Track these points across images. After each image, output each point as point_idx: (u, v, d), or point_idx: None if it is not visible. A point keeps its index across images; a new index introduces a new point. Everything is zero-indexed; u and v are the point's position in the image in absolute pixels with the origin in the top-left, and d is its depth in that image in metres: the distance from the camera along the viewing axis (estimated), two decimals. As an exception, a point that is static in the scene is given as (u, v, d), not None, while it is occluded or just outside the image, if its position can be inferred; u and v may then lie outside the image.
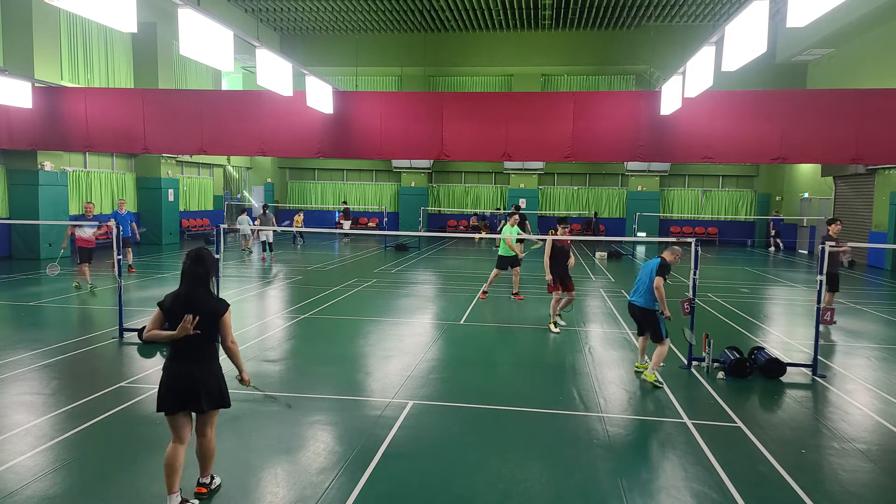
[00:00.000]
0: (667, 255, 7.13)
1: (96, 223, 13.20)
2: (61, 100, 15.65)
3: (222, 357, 4.16)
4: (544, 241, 9.98)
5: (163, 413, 4.01)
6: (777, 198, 28.11)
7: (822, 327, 8.76)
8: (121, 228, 12.84)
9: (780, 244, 25.85)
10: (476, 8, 24.27)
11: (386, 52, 27.97)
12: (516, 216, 12.17)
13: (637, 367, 7.47)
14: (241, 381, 4.29)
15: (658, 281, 6.88)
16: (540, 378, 7.28)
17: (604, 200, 30.40)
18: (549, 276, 9.42)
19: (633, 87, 28.50)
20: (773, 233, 25.95)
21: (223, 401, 4.11)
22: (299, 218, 25.16)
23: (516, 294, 12.14)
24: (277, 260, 18.61)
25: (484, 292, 12.15)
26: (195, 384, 3.96)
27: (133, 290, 12.22)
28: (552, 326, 9.60)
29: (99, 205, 20.96)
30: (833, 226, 10.14)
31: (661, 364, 7.20)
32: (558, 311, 9.71)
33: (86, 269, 12.40)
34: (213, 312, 3.99)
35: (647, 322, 7.18)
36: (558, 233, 9.64)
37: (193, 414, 4.10)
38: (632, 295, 7.34)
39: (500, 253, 12.01)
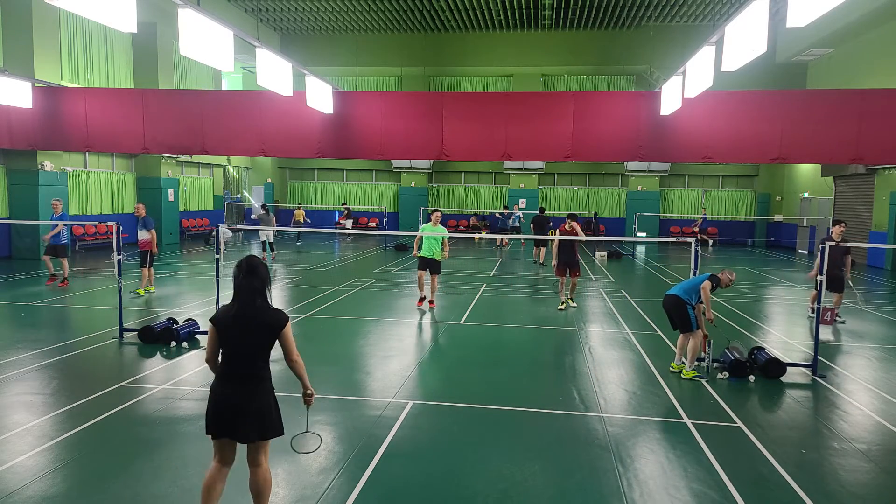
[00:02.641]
0: (721, 275, 7.34)
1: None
2: (61, 100, 15.65)
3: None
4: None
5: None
6: (777, 198, 28.13)
7: (825, 328, 8.78)
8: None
9: (700, 238, 26.30)
10: (476, 8, 24.27)
11: (386, 52, 27.98)
12: (438, 213, 11.43)
13: (672, 367, 7.44)
14: (306, 397, 3.82)
15: (707, 284, 7.14)
16: (540, 378, 7.28)
17: (604, 200, 30.40)
18: (554, 262, 11.38)
19: (633, 87, 28.50)
20: (698, 230, 26.85)
21: (275, 429, 3.66)
22: (300, 212, 25.37)
23: (431, 302, 11.17)
24: (278, 260, 18.61)
25: (421, 300, 11.12)
26: (241, 410, 3.53)
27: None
28: (561, 307, 11.28)
29: (99, 204, 20.99)
30: (836, 227, 10.03)
31: (698, 362, 7.43)
32: (571, 297, 11.60)
33: (146, 272, 12.14)
34: (274, 326, 3.60)
35: (677, 313, 7.28)
36: (566, 225, 11.39)
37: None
38: (670, 290, 7.53)
39: (422, 253, 11.02)
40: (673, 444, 5.30)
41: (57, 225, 12.74)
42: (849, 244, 9.36)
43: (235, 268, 3.67)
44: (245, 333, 3.59)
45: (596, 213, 28.32)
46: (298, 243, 24.57)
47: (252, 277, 3.62)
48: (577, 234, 11.37)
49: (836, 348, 8.92)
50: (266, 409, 3.61)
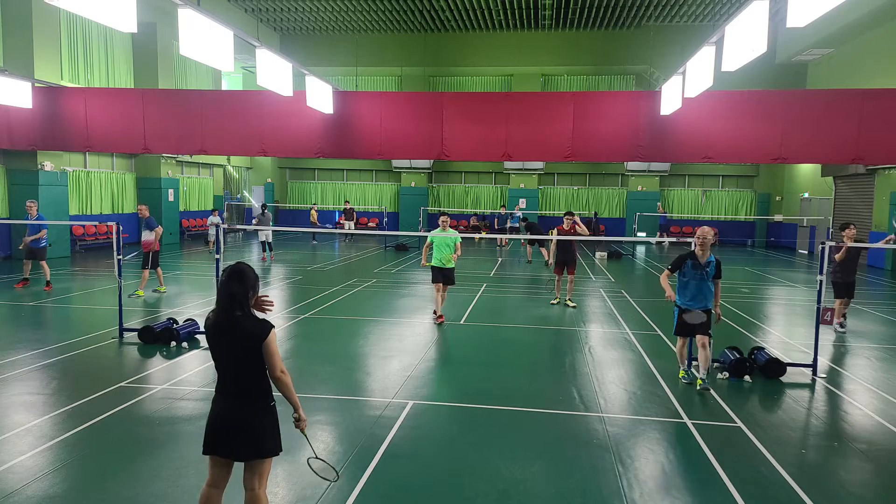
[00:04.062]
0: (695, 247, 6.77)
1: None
2: (61, 100, 15.65)
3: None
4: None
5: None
6: (777, 198, 28.13)
7: (828, 328, 8.75)
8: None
9: (660, 237, 26.18)
10: (476, 8, 24.26)
11: (386, 52, 27.98)
12: (446, 217, 10.27)
13: (681, 374, 7.13)
14: (297, 422, 3.53)
15: (664, 273, 6.90)
16: (540, 378, 7.28)
17: (604, 200, 30.39)
18: (551, 261, 11.98)
19: (633, 87, 28.49)
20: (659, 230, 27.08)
21: (273, 447, 3.42)
22: (314, 212, 25.49)
23: (439, 316, 10.02)
24: (277, 260, 18.61)
25: (436, 313, 10.09)
26: (234, 426, 3.34)
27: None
28: (563, 303, 11.66)
29: (99, 204, 20.98)
30: (848, 230, 9.53)
31: (709, 369, 6.91)
32: (569, 298, 11.66)
33: (146, 274, 12.12)
34: (255, 337, 3.30)
35: None
36: (564, 224, 11.46)
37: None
38: None
39: (432, 263, 10.02)
40: (673, 444, 5.30)
41: (40, 228, 12.52)
42: (860, 245, 9.29)
43: (222, 272, 3.47)
44: (226, 346, 3.38)
45: (596, 213, 28.31)
46: (314, 242, 24.78)
47: (231, 283, 3.36)
48: (577, 233, 11.44)
49: (836, 348, 8.92)
50: (258, 428, 3.37)
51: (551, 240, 12.58)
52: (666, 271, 6.92)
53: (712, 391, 6.71)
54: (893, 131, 13.22)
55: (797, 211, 26.11)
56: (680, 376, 7.07)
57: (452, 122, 14.66)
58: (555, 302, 11.72)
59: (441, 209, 31.07)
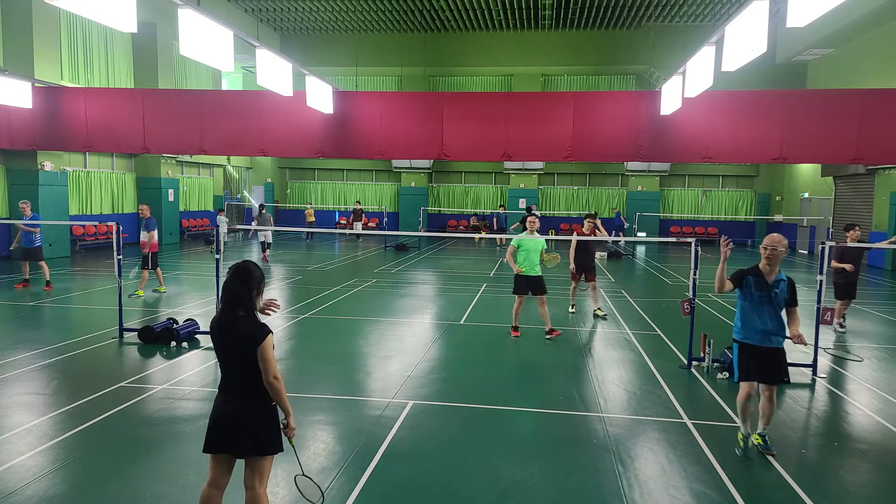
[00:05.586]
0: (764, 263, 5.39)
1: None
2: (61, 100, 15.65)
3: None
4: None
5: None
6: (777, 198, 28.14)
7: (828, 328, 8.75)
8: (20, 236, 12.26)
9: (621, 234, 25.67)
10: (476, 8, 24.27)
11: (386, 52, 27.98)
12: (536, 218, 9.19)
13: (739, 436, 5.24)
14: (285, 428, 3.46)
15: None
16: (540, 378, 7.28)
17: (604, 200, 30.40)
18: (571, 266, 10.68)
19: (633, 87, 28.51)
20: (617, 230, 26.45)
21: (273, 446, 3.40)
22: (310, 211, 25.50)
23: (552, 331, 9.05)
24: (277, 260, 18.61)
25: (515, 328, 9.20)
26: (234, 423, 3.35)
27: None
28: (572, 310, 10.99)
29: (99, 204, 20.99)
30: (852, 232, 9.49)
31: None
32: (597, 306, 10.78)
33: (146, 274, 12.13)
34: (251, 340, 3.29)
35: None
36: (584, 226, 10.85)
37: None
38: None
39: (524, 272, 8.91)
40: (673, 444, 5.30)
41: (36, 226, 12.46)
42: (861, 245, 9.28)
43: (227, 270, 3.46)
44: (227, 345, 3.39)
45: (595, 213, 28.30)
46: (307, 240, 24.87)
47: (236, 282, 3.35)
48: (596, 235, 10.84)
49: (836, 348, 8.91)
50: (259, 426, 3.36)
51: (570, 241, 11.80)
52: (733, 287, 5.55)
53: (711, 390, 6.69)
54: (893, 131, 13.22)
55: (797, 211, 26.12)
56: (739, 438, 5.20)
57: (452, 122, 14.67)
58: (572, 311, 10.93)
59: (440, 209, 31.08)
